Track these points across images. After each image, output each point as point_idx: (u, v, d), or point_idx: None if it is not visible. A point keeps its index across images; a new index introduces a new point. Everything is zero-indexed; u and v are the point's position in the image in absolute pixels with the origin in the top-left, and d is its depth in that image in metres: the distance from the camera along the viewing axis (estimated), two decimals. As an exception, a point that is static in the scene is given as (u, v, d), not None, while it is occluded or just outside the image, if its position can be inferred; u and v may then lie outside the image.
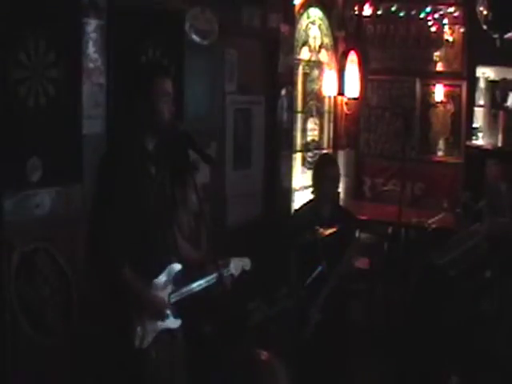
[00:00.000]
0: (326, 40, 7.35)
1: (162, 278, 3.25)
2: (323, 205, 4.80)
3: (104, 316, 3.23)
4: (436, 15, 7.52)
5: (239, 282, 3.60)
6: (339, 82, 7.35)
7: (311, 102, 7.23)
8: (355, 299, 5.42)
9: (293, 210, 6.19)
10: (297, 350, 4.48)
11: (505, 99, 7.15)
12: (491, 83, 7.30)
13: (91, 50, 4.21)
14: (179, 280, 3.34)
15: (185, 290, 3.36)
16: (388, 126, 7.97)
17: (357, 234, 4.75)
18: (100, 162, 3.25)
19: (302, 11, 6.77)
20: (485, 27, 6.35)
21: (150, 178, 3.22)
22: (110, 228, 3.08)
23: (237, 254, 3.65)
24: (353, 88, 7.50)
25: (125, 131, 3.42)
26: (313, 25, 7.10)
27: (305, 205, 5.07)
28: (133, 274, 3.11)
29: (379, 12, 7.74)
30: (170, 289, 3.29)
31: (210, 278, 3.41)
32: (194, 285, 3.39)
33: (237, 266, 3.58)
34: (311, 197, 5.00)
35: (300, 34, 6.83)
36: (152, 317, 3.19)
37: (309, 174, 7.27)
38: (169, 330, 3.28)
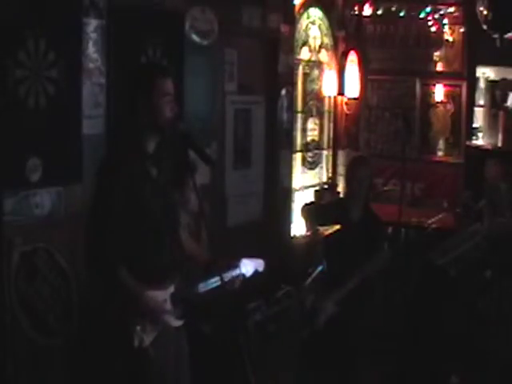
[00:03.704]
0: (326, 40, 7.35)
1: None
2: (351, 206, 4.78)
3: (104, 315, 3.23)
4: (436, 15, 7.53)
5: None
6: (339, 82, 7.35)
7: (311, 102, 7.23)
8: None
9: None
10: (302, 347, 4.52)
11: (505, 99, 7.16)
12: (491, 83, 7.31)
13: (91, 50, 4.21)
14: (184, 280, 3.35)
15: (192, 290, 3.36)
16: (388, 126, 7.98)
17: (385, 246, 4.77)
18: (100, 165, 3.24)
19: (302, 11, 6.77)
20: (485, 27, 6.36)
21: (150, 179, 3.22)
22: (107, 229, 3.08)
23: (237, 254, 3.65)
24: (353, 88, 7.50)
25: (125, 133, 3.42)
26: (313, 25, 7.10)
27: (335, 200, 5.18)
28: (129, 275, 3.11)
29: (379, 12, 7.75)
30: (171, 289, 3.29)
31: (214, 281, 3.41)
32: (201, 285, 3.39)
33: (248, 266, 3.57)
34: None
35: (300, 34, 6.83)
36: (150, 317, 3.19)
37: (309, 173, 7.30)
38: (171, 330, 3.28)
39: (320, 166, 7.51)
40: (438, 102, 7.68)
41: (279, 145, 6.40)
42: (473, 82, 7.43)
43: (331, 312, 4.55)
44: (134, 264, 3.13)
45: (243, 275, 3.55)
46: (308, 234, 4.90)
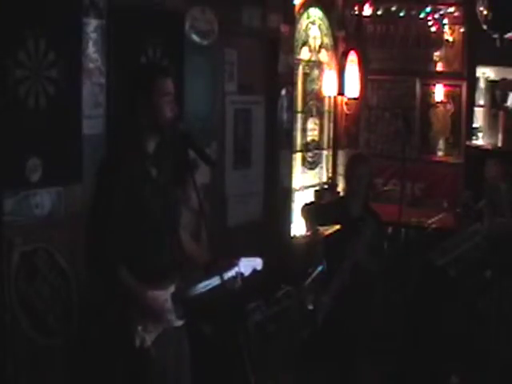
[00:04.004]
0: (326, 40, 7.35)
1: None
2: (351, 203, 4.81)
3: (104, 316, 3.23)
4: (436, 15, 7.52)
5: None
6: (339, 81, 7.35)
7: (311, 102, 7.23)
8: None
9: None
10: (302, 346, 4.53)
11: (505, 99, 7.16)
12: (491, 83, 7.31)
13: (91, 49, 4.21)
14: (184, 280, 3.35)
15: (192, 290, 3.37)
16: (388, 126, 7.98)
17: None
18: (100, 165, 3.24)
19: (302, 11, 6.77)
20: (485, 27, 6.35)
21: (150, 179, 3.22)
22: (107, 229, 3.08)
23: (237, 254, 3.65)
24: (353, 88, 7.50)
25: (125, 133, 3.42)
26: (313, 25, 7.10)
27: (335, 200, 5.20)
28: (130, 275, 3.11)
29: (379, 12, 7.75)
30: (172, 289, 3.29)
31: (214, 280, 3.41)
32: (201, 285, 3.40)
33: (247, 265, 3.58)
34: None
35: (300, 34, 6.83)
36: (152, 317, 3.19)
37: (309, 173, 7.30)
38: (172, 330, 3.28)
39: (320, 166, 7.51)
40: (438, 102, 7.68)
41: (279, 145, 6.40)
42: (473, 82, 7.43)
43: (327, 306, 4.55)
44: (134, 264, 3.13)
45: (241, 274, 3.56)
46: (308, 233, 4.91)
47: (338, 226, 4.56)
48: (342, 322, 4.57)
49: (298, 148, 7.02)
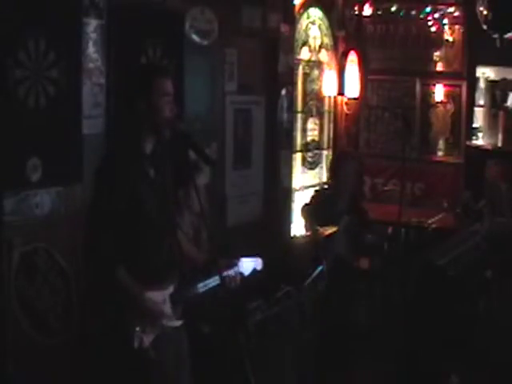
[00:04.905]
0: (326, 40, 7.35)
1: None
2: (338, 199, 4.87)
3: (102, 316, 3.23)
4: (436, 15, 7.53)
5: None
6: (339, 81, 7.35)
7: (311, 102, 7.23)
8: (356, 300, 5.43)
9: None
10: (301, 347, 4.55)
11: (505, 99, 7.16)
12: (491, 83, 7.31)
13: (91, 50, 4.21)
14: (183, 281, 3.35)
15: (191, 290, 3.37)
16: (388, 126, 7.98)
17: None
18: (98, 166, 3.24)
19: (302, 11, 6.77)
20: (485, 27, 6.36)
21: (148, 180, 3.22)
22: (105, 230, 3.08)
23: (236, 254, 3.65)
24: (353, 88, 7.51)
25: (123, 133, 3.42)
26: (313, 25, 7.10)
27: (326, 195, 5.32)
28: (127, 276, 3.11)
29: (379, 12, 7.75)
30: (171, 290, 3.28)
31: (214, 280, 3.41)
32: (200, 285, 3.40)
33: (247, 265, 3.58)
34: None
35: (300, 34, 6.84)
36: (150, 318, 3.18)
37: (309, 173, 7.30)
38: (171, 330, 3.28)
39: (320, 166, 7.51)
40: (438, 102, 7.69)
41: (279, 145, 6.40)
42: (473, 82, 7.43)
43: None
44: (132, 264, 3.13)
45: (241, 274, 3.56)
46: (308, 233, 4.92)
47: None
48: (341, 322, 4.59)
49: (298, 148, 7.02)
